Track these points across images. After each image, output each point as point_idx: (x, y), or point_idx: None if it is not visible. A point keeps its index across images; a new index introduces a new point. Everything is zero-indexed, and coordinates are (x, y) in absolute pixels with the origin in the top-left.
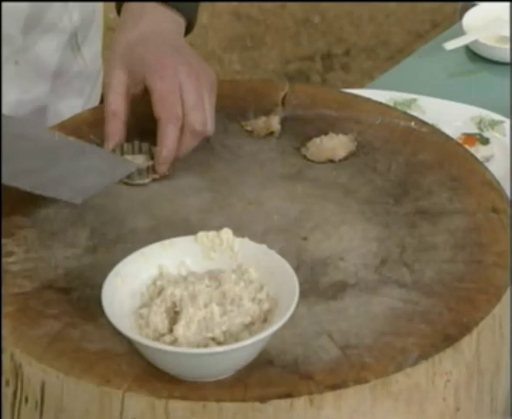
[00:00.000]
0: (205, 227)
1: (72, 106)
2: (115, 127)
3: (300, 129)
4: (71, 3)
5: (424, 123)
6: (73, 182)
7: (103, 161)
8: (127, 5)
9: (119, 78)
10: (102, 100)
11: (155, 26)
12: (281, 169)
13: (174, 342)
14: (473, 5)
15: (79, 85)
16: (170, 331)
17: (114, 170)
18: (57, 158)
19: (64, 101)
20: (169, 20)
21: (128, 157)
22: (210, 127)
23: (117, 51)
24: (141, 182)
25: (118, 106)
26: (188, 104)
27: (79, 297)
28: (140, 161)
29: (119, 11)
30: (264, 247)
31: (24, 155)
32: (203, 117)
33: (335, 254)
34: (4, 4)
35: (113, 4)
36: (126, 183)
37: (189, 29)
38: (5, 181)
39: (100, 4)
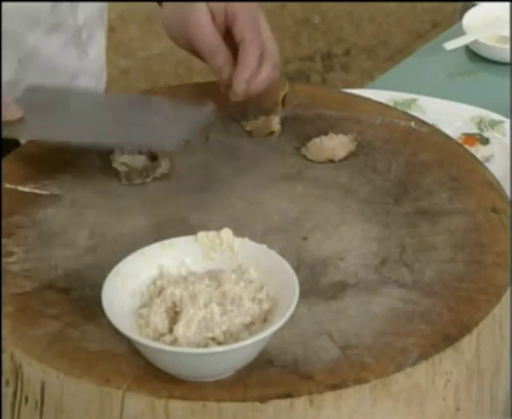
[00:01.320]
0: (205, 227)
1: None
2: (223, 59)
3: (300, 129)
4: (75, 2)
5: (424, 123)
6: (159, 133)
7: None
8: None
9: (203, 9)
10: None
11: None
12: (281, 169)
13: (174, 342)
14: (473, 5)
15: (83, 83)
16: (170, 331)
17: (191, 117)
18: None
19: None
20: None
21: (128, 157)
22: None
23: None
24: (140, 181)
25: (215, 40)
26: (267, 35)
27: (79, 297)
28: (140, 161)
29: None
30: (264, 247)
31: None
32: (277, 51)
33: (335, 254)
34: (7, 3)
35: (113, 4)
36: (126, 183)
37: None
38: (88, 139)
39: (105, 3)
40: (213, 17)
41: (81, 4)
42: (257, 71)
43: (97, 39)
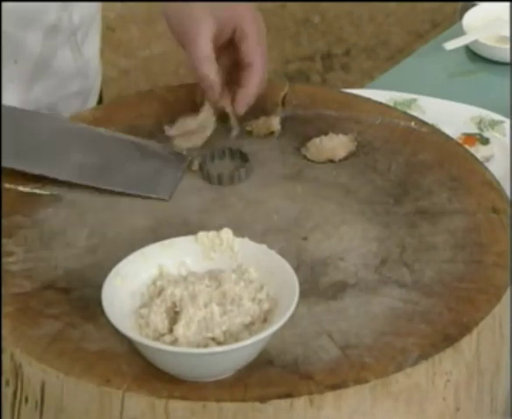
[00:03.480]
0: (205, 227)
1: (71, 105)
2: (213, 75)
3: (300, 129)
4: (70, 3)
5: (424, 123)
6: (152, 179)
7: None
8: None
9: (208, 24)
10: (101, 100)
11: None
12: (281, 169)
13: (174, 342)
14: (473, 5)
15: (78, 85)
16: (170, 331)
17: (177, 161)
18: (117, 155)
19: (63, 101)
20: None
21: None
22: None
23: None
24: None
25: (208, 53)
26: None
27: (79, 297)
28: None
29: None
30: (264, 247)
31: (78, 150)
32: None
33: (335, 254)
34: (3, 3)
35: (112, 4)
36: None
37: None
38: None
39: (100, 4)
40: (217, 33)
41: (76, 5)
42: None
43: (92, 41)
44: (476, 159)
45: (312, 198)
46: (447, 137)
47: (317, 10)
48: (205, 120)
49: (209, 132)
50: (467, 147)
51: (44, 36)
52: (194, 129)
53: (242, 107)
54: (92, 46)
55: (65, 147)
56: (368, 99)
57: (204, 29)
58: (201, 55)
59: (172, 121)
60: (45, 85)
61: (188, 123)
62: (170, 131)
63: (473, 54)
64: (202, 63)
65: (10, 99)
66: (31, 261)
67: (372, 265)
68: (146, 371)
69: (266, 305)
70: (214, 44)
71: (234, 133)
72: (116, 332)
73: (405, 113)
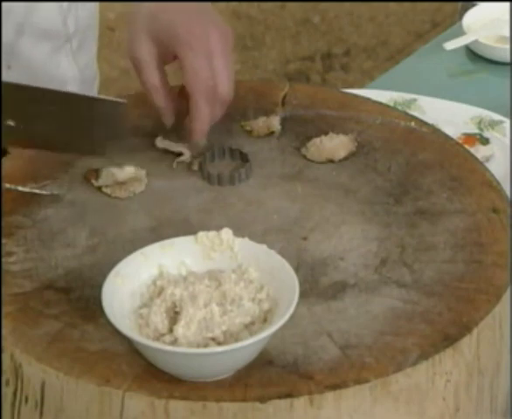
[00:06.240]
0: (205, 227)
1: None
2: (165, 101)
3: (300, 129)
4: (66, 9)
5: (424, 123)
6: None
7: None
8: None
9: (149, 49)
10: None
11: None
12: (281, 169)
13: (174, 342)
14: (473, 5)
15: (74, 91)
16: (170, 331)
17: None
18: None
19: None
20: None
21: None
22: (232, 93)
23: (140, 22)
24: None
25: (157, 80)
26: (219, 73)
27: (79, 297)
28: (230, 165)
29: None
30: (264, 247)
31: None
32: (230, 85)
33: (335, 254)
34: (3, 4)
35: (112, 4)
36: (217, 185)
37: None
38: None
39: (97, 10)
40: (162, 53)
41: (72, 12)
42: (209, 118)
43: (88, 48)
44: (476, 159)
45: (312, 198)
46: (447, 137)
47: (317, 10)
48: (135, 174)
49: (143, 185)
50: (467, 147)
51: (38, 42)
52: (123, 181)
53: (196, 136)
54: (88, 54)
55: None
56: (368, 99)
57: (145, 54)
58: (148, 86)
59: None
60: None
61: (115, 175)
62: (99, 181)
63: (473, 54)
64: (151, 93)
65: None
66: (31, 261)
67: (372, 265)
68: (146, 371)
69: (266, 305)
70: (164, 62)
71: (200, 144)
72: (116, 332)
73: (405, 113)
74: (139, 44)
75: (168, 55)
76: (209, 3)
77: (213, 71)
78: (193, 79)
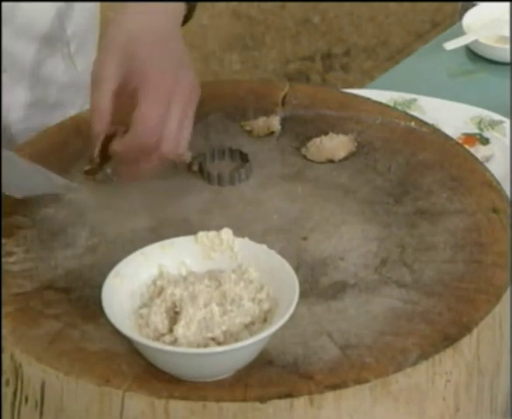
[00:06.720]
0: (205, 227)
1: (64, 117)
2: (101, 130)
3: (301, 129)
4: (63, 11)
5: (424, 123)
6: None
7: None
8: None
9: (113, 73)
10: None
11: (159, 19)
12: (281, 169)
13: (174, 342)
14: (473, 5)
15: (71, 96)
16: (170, 331)
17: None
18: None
19: (55, 112)
20: (171, 9)
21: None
22: (181, 151)
23: (117, 39)
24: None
25: (106, 104)
26: (169, 130)
27: (79, 297)
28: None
29: None
30: (264, 247)
31: None
32: (177, 146)
33: (335, 254)
34: (3, 4)
35: (112, 4)
36: (217, 185)
37: (188, 17)
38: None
39: (98, 11)
40: (123, 79)
41: (70, 16)
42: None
43: (87, 52)
44: (476, 159)
45: (312, 198)
46: (447, 137)
47: (317, 10)
48: None
49: None
50: (467, 147)
51: (33, 45)
52: None
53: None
54: (86, 57)
55: None
56: (368, 99)
57: (109, 74)
58: (95, 106)
59: None
60: (35, 95)
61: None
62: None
63: (473, 54)
64: (94, 114)
65: None
66: (31, 261)
67: (372, 265)
68: (146, 371)
69: (266, 305)
70: (119, 93)
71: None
72: (116, 332)
73: (405, 113)
74: (108, 63)
75: (128, 85)
76: (190, 61)
77: (164, 125)
78: (139, 125)
